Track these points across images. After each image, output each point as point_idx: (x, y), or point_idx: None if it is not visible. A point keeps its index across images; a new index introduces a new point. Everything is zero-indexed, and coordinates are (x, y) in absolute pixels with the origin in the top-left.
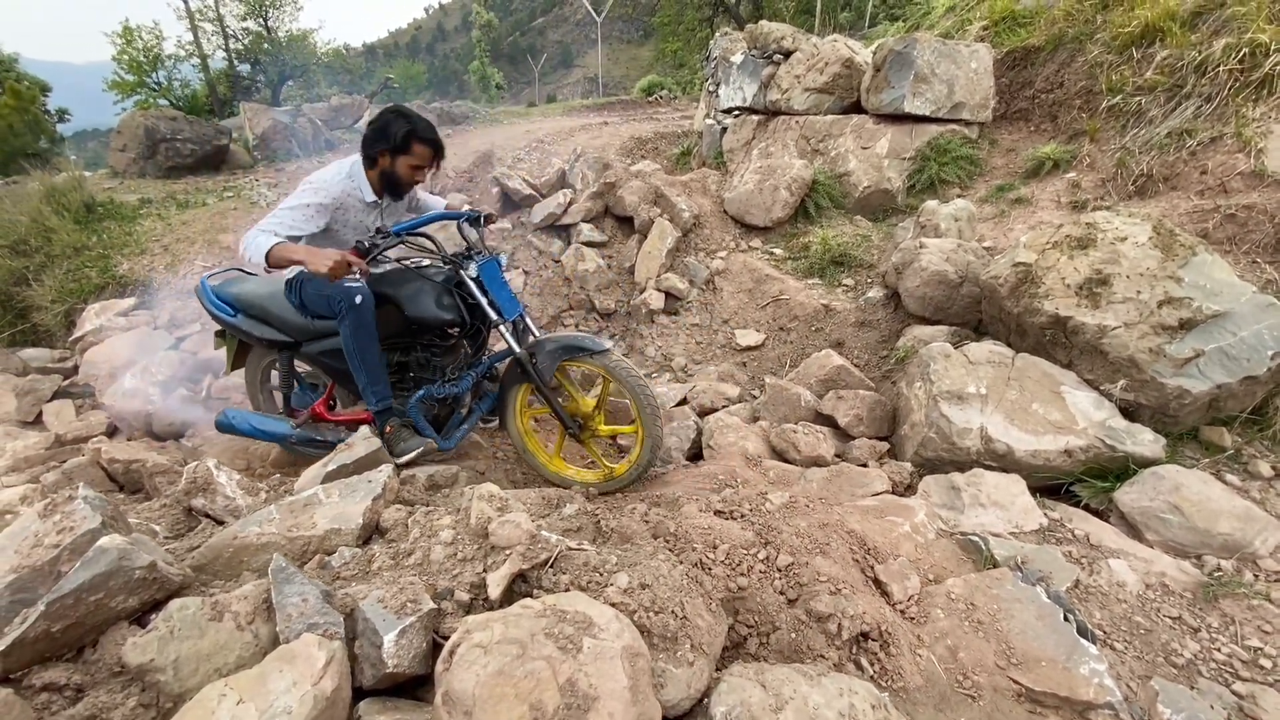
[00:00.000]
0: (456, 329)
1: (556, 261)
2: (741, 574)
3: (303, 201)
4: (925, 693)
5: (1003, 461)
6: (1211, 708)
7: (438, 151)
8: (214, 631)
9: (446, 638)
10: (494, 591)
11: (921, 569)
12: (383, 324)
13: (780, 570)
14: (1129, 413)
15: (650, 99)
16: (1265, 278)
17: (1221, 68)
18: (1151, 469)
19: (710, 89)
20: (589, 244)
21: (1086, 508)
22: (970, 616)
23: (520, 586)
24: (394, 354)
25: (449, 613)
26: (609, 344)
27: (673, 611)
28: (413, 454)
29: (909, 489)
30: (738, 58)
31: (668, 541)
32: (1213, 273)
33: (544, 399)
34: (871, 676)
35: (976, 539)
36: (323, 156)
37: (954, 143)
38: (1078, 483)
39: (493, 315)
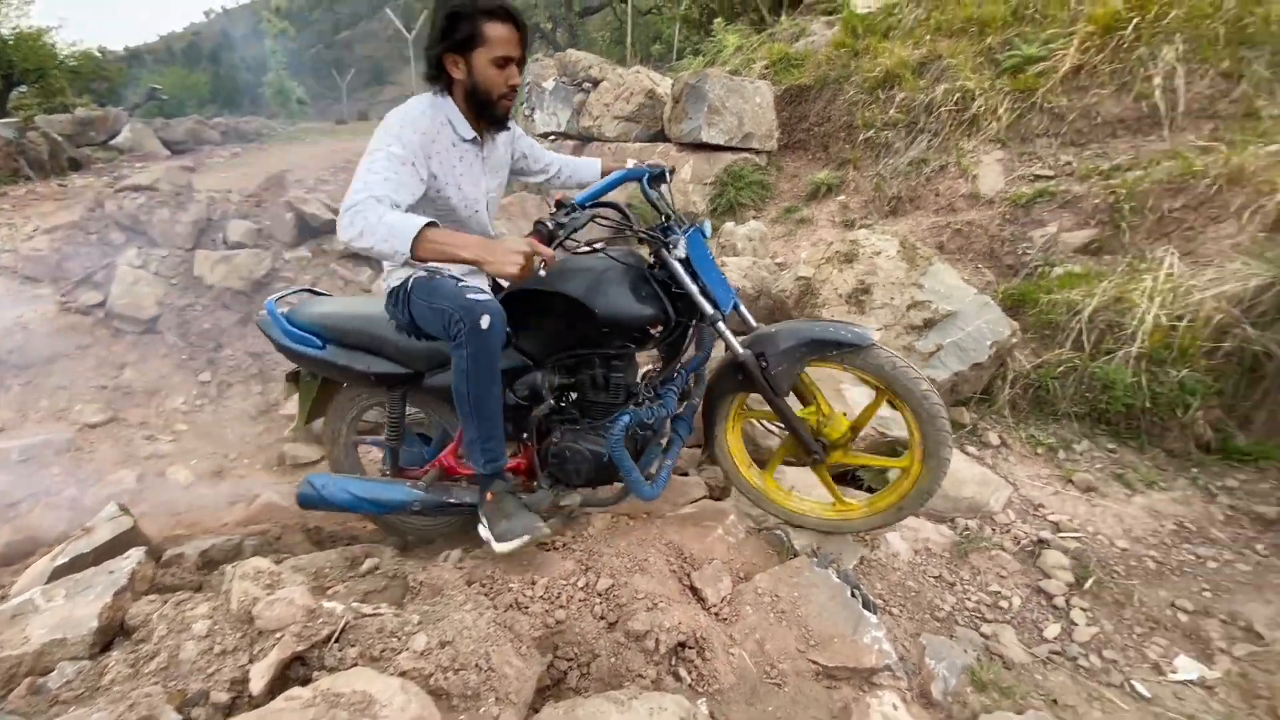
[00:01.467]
0: (658, 328)
1: (366, 291)
2: (560, 606)
3: (395, 150)
4: (738, 690)
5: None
6: (965, 651)
7: (524, 36)
8: None
9: None
10: (257, 685)
11: (734, 569)
12: (552, 334)
13: (600, 595)
14: (893, 403)
15: None
16: (984, 280)
17: (943, 108)
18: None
19: (526, 113)
20: None
21: (870, 489)
22: (775, 607)
23: (298, 672)
24: (557, 374)
25: None
26: (874, 333)
27: (476, 665)
28: (519, 543)
29: (724, 492)
30: (549, 84)
31: (483, 586)
32: (945, 279)
33: (778, 415)
34: (690, 685)
35: (779, 533)
36: (65, 179)
37: (747, 169)
38: (862, 468)
39: (706, 308)
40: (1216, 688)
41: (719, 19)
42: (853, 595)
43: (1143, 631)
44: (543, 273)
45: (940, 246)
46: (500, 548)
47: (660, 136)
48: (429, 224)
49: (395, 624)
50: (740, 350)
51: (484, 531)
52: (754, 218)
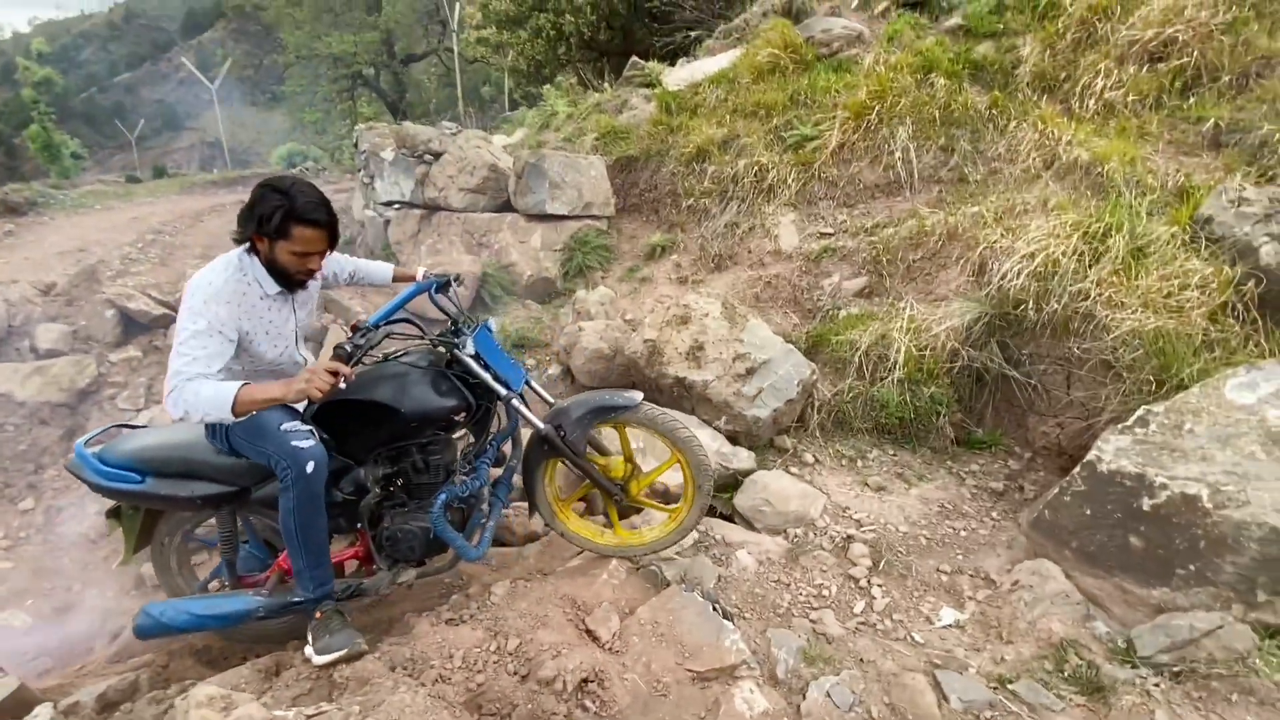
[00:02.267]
0: (462, 415)
1: None
2: (479, 671)
3: (199, 326)
4: (634, 708)
5: (664, 498)
6: (799, 636)
7: (333, 235)
8: None
9: None
10: None
11: (619, 607)
12: (369, 434)
13: (511, 654)
14: (733, 439)
15: (294, 171)
16: (792, 323)
17: (746, 179)
18: (750, 476)
19: (365, 180)
20: None
21: (722, 516)
22: (656, 632)
23: None
24: (380, 467)
25: None
26: (638, 395)
27: None
28: (335, 656)
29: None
30: (388, 154)
31: (405, 669)
32: (760, 333)
33: (580, 473)
34: (595, 713)
35: (654, 568)
36: None
37: (591, 235)
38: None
39: (500, 390)
40: (966, 627)
41: (547, 86)
42: (714, 609)
43: (919, 594)
44: (343, 385)
45: (756, 297)
46: (318, 659)
47: (507, 207)
48: (240, 387)
49: (340, 717)
50: (539, 424)
51: (307, 648)
52: (601, 279)
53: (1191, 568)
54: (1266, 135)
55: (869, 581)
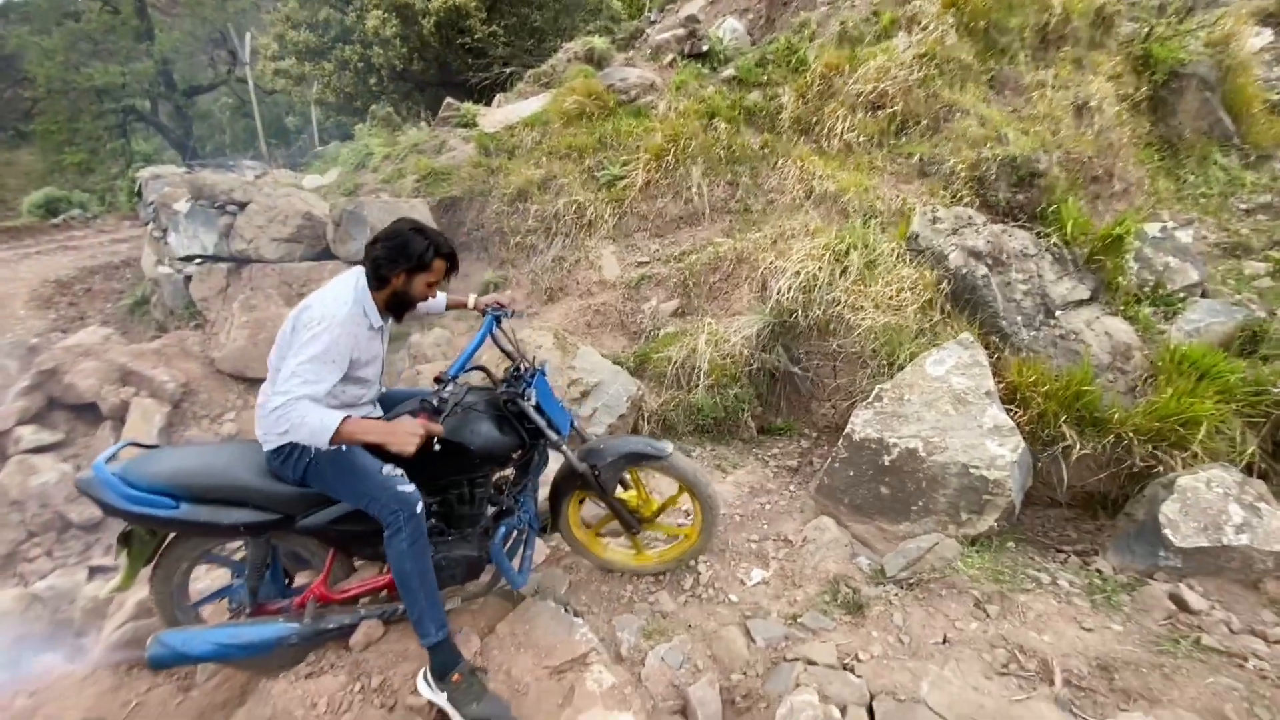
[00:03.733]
0: (517, 453)
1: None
2: (345, 712)
3: (317, 351)
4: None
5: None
6: (639, 617)
7: (453, 265)
8: None
9: None
10: None
11: (479, 628)
12: (432, 468)
13: (376, 690)
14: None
15: (55, 221)
16: (621, 345)
17: (566, 216)
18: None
19: (156, 234)
20: (37, 450)
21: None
22: (514, 642)
23: None
24: (434, 499)
25: None
26: (669, 446)
27: None
28: None
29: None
30: (183, 206)
31: None
32: (590, 359)
33: (608, 506)
34: None
35: (510, 588)
36: None
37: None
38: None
39: (553, 437)
40: (770, 581)
41: (360, 125)
42: (565, 610)
43: (735, 562)
44: (437, 448)
45: (588, 324)
46: None
47: (326, 254)
48: (344, 419)
49: None
50: (579, 465)
51: (442, 701)
52: (436, 320)
53: (920, 503)
54: (953, 166)
55: (696, 561)
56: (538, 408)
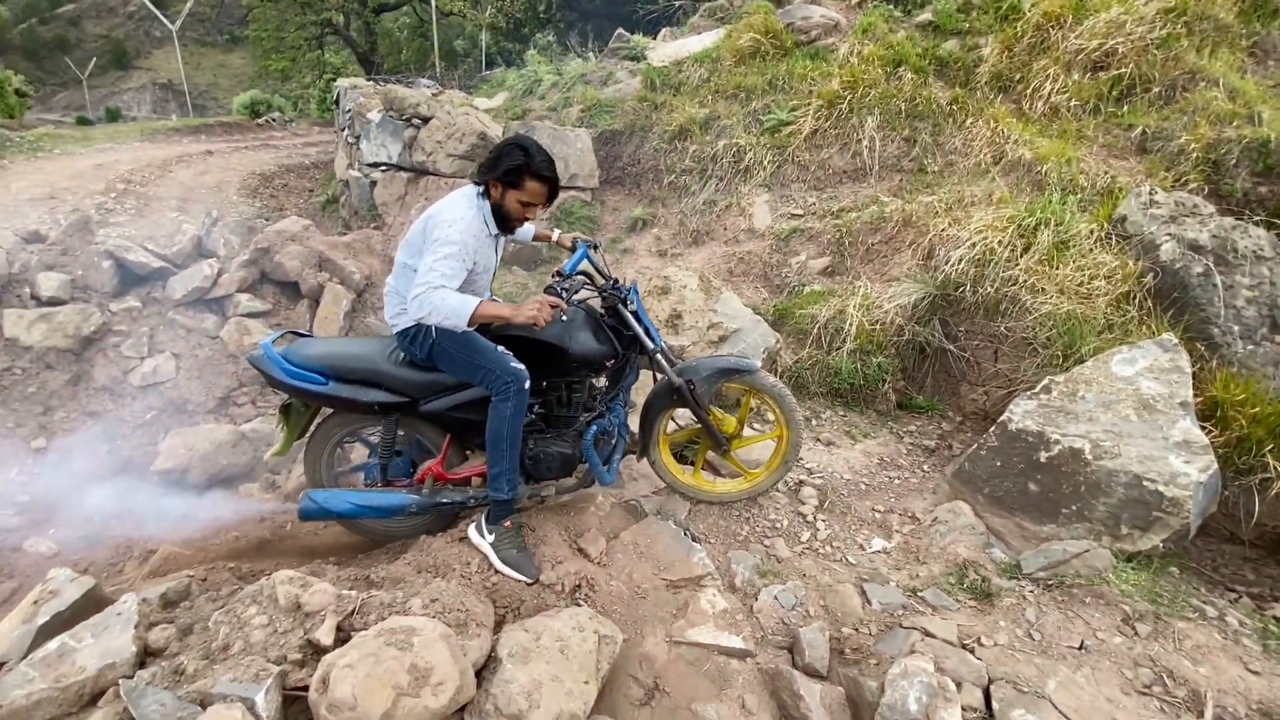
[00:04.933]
0: (611, 361)
1: (214, 338)
2: (491, 575)
3: (451, 249)
4: (619, 603)
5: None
6: (754, 556)
7: (553, 191)
8: None
9: (294, 688)
10: (327, 640)
11: (605, 532)
12: (534, 369)
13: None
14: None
15: (258, 121)
16: (761, 297)
17: (724, 159)
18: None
19: (350, 140)
20: (251, 315)
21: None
22: (636, 551)
23: (339, 635)
24: (535, 399)
25: (289, 671)
26: (757, 363)
27: (458, 609)
28: (513, 574)
29: (591, 480)
30: (374, 116)
31: (431, 571)
32: (732, 304)
33: (700, 422)
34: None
35: (635, 502)
36: None
37: (576, 206)
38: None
39: (649, 344)
40: (892, 552)
41: (531, 51)
42: (685, 534)
43: (856, 527)
44: (564, 318)
45: (730, 271)
46: (500, 567)
47: None
48: (479, 302)
49: (389, 598)
50: (675, 377)
51: (484, 544)
52: None
53: (1074, 507)
54: (1183, 144)
55: (815, 517)
56: (635, 315)
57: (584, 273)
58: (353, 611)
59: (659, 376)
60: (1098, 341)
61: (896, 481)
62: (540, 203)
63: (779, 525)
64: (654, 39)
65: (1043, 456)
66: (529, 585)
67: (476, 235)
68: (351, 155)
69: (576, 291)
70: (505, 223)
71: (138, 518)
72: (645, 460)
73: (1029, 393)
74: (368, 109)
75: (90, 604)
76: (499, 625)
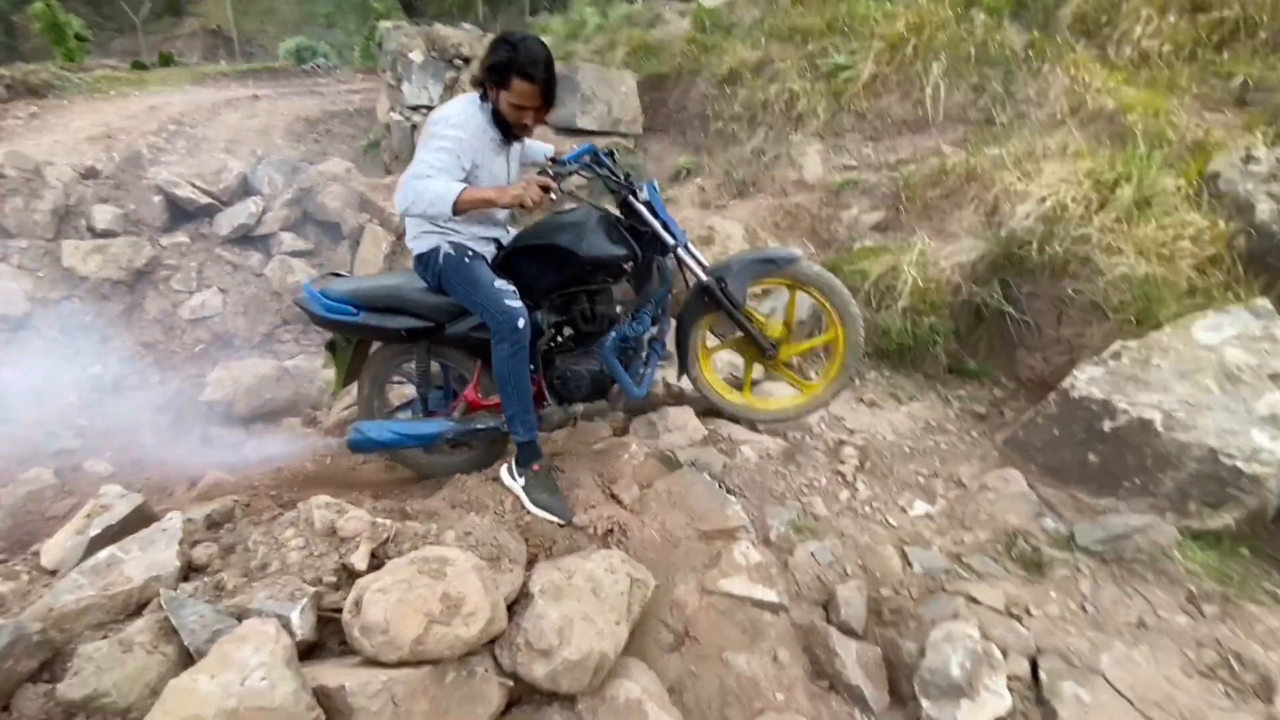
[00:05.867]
0: (629, 264)
1: (259, 275)
2: (525, 514)
3: (444, 143)
4: (651, 549)
5: (678, 399)
6: (790, 512)
7: (546, 93)
8: (130, 660)
9: (329, 609)
10: (361, 565)
11: (638, 480)
12: (546, 279)
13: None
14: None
15: (304, 67)
16: (809, 252)
17: (776, 106)
18: (758, 386)
19: (392, 82)
20: (294, 254)
21: (728, 417)
22: (669, 500)
23: (374, 562)
24: (552, 314)
25: (324, 593)
26: (797, 250)
27: (490, 543)
28: (545, 515)
29: (624, 430)
30: (417, 57)
31: (465, 507)
32: None
33: (736, 325)
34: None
35: (669, 453)
36: None
37: (619, 152)
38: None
39: (668, 239)
40: (936, 517)
41: None
42: (719, 487)
43: (898, 490)
44: (554, 196)
45: (776, 225)
46: (532, 509)
47: None
48: (463, 188)
49: (423, 529)
50: (703, 275)
51: (516, 487)
52: None
53: (1137, 481)
54: None
55: (854, 478)
56: (649, 206)
57: (596, 153)
58: (387, 539)
59: (690, 283)
60: (1178, 306)
61: (943, 446)
62: (531, 106)
63: (817, 484)
64: None
65: (1107, 426)
66: (561, 527)
67: (474, 134)
68: (393, 98)
69: (570, 175)
70: (505, 129)
71: (187, 445)
72: (684, 377)
73: (1094, 358)
74: (410, 49)
75: (139, 519)
76: (531, 563)
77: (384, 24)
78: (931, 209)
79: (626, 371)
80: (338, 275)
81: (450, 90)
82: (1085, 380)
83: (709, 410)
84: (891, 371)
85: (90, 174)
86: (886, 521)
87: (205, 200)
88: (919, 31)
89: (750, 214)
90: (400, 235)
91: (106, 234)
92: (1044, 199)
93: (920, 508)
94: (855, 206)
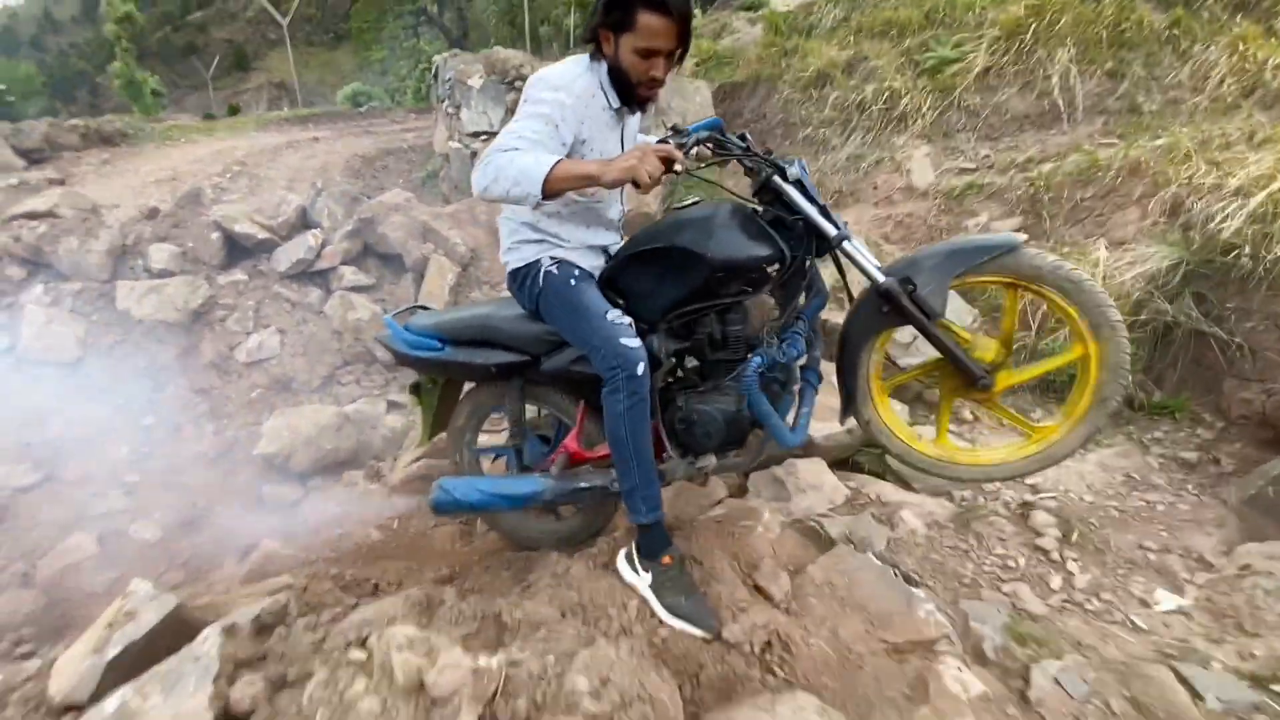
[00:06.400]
0: (775, 267)
1: (319, 313)
2: (660, 624)
3: (541, 108)
4: (826, 676)
5: (807, 449)
6: (998, 611)
7: (684, 29)
8: None
9: None
10: None
11: (784, 563)
12: (664, 292)
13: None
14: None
15: (360, 110)
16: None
17: (874, 107)
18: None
19: (450, 111)
20: (355, 289)
21: (869, 472)
22: (834, 595)
23: None
24: (672, 340)
25: None
26: (1019, 236)
27: (639, 697)
28: (686, 626)
29: (741, 489)
30: (476, 82)
31: (577, 615)
32: None
33: (933, 343)
34: (785, 679)
35: (813, 523)
36: None
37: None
38: (859, 453)
39: (829, 229)
40: (1192, 614)
41: None
42: (895, 574)
43: (1124, 572)
44: (679, 169)
45: (885, 237)
46: (667, 618)
47: None
48: (559, 162)
49: (539, 667)
50: (880, 276)
51: (640, 585)
52: None
53: None
54: None
55: (1061, 555)
56: (800, 187)
57: (719, 135)
58: (495, 694)
59: (854, 289)
60: None
61: (1159, 508)
62: (665, 48)
63: (1013, 564)
64: None
65: None
66: (707, 642)
67: (581, 97)
68: (451, 127)
69: (698, 145)
70: (629, 90)
71: (240, 505)
72: (852, 421)
73: None
74: (468, 75)
75: (171, 628)
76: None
77: (440, 55)
78: (1083, 211)
79: (771, 407)
80: (424, 309)
81: (510, 113)
82: None
83: (841, 460)
84: (1058, 404)
85: (151, 214)
86: (1130, 621)
87: (263, 235)
88: (1039, 16)
89: (852, 227)
90: (466, 265)
91: (163, 274)
92: (1247, 194)
93: (1166, 600)
94: (983, 213)
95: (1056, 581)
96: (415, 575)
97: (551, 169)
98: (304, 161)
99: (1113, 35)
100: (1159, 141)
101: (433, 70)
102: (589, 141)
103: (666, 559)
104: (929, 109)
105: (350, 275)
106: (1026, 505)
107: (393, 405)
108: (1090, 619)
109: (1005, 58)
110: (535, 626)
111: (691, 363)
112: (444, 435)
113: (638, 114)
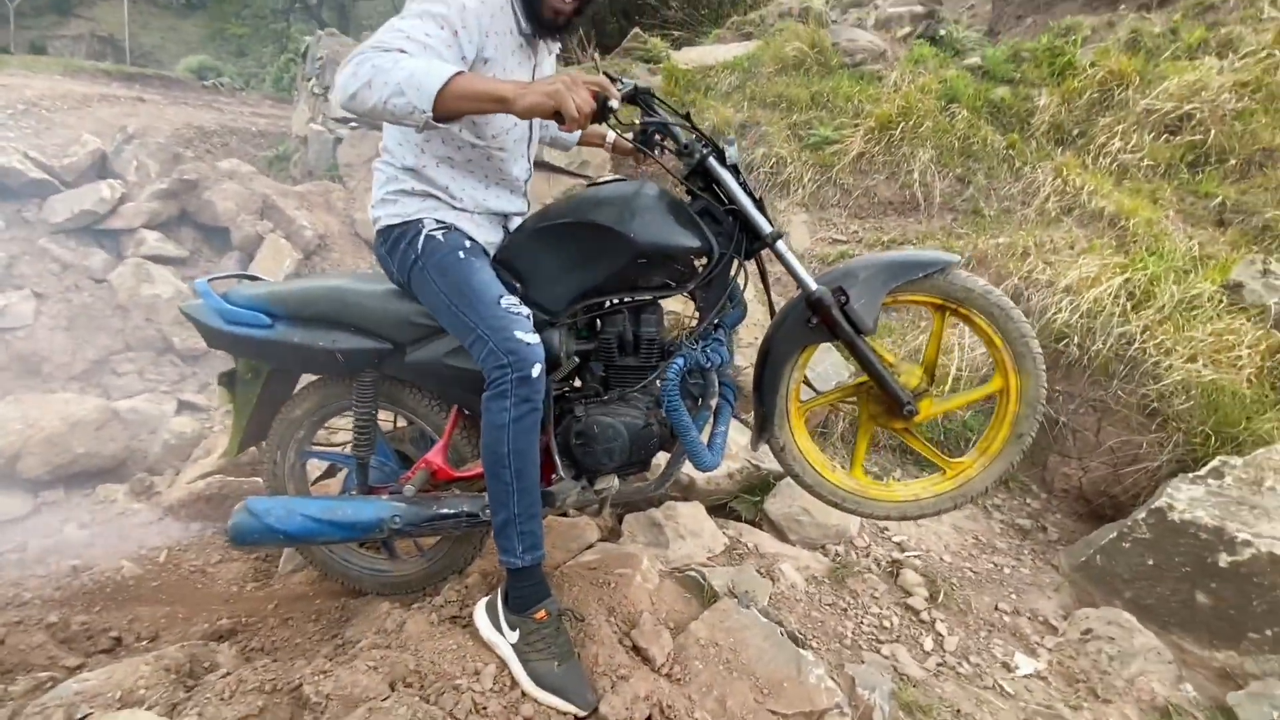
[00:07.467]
0: (703, 261)
1: (100, 281)
2: (519, 696)
3: (435, 9)
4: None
5: (686, 492)
6: (883, 675)
7: None
8: None
9: None
10: None
11: (662, 618)
12: (575, 277)
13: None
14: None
15: (204, 84)
16: None
17: (762, 169)
18: (785, 480)
19: (316, 91)
20: (157, 259)
21: (746, 520)
22: (720, 658)
23: None
24: (573, 339)
25: None
26: (956, 256)
27: None
28: (556, 701)
29: (614, 532)
30: None
31: (413, 686)
32: None
33: (859, 362)
34: None
35: (694, 574)
36: None
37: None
38: (735, 500)
39: (765, 226)
40: (1049, 678)
41: None
42: (781, 633)
43: (986, 635)
44: (614, 105)
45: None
46: (533, 690)
47: None
48: (458, 73)
49: None
50: (812, 283)
51: (502, 645)
52: None
53: (1268, 632)
54: (1270, 220)
55: (930, 615)
56: (735, 173)
57: (660, 114)
58: None
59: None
60: (1269, 420)
61: (1005, 570)
62: None
63: (888, 623)
64: (671, 46)
65: (1223, 560)
66: None
67: (490, 8)
68: (315, 109)
69: (630, 97)
70: (534, 9)
71: None
72: (764, 445)
73: (1190, 476)
74: (342, 56)
75: None
76: None
77: (311, 35)
78: None
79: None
80: (253, 278)
81: None
82: (1186, 501)
83: (718, 505)
84: (918, 471)
85: None
86: (999, 687)
87: (37, 174)
88: (907, 116)
89: None
90: (311, 254)
91: None
92: (1076, 292)
93: (1024, 664)
94: None
95: (929, 643)
96: (180, 626)
97: (450, 79)
98: (120, 118)
99: (963, 146)
100: (998, 240)
101: (302, 50)
102: (493, 63)
103: (541, 614)
104: (809, 181)
105: (155, 242)
106: (896, 563)
107: (186, 406)
108: (964, 683)
109: (877, 147)
110: (351, 704)
111: (598, 369)
112: (261, 447)
113: (552, 55)
